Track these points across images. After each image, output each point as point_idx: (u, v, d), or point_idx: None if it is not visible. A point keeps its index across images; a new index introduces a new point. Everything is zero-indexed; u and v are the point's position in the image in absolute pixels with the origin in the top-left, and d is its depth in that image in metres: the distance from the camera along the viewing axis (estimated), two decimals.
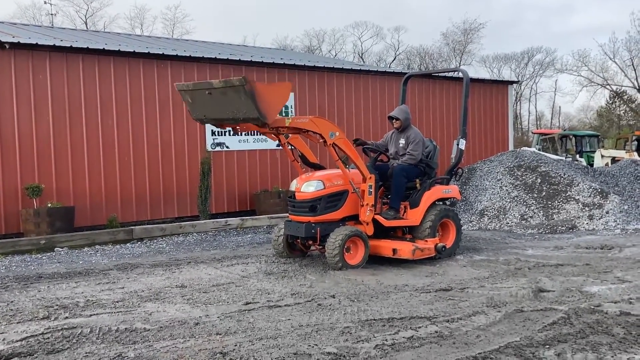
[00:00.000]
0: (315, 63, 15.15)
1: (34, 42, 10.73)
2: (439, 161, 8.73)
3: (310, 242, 7.89)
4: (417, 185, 8.20)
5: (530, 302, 5.64)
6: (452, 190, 8.57)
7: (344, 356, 4.23)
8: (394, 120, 8.47)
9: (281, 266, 7.73)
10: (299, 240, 8.02)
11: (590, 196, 11.30)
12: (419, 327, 4.88)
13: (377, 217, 7.84)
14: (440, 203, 8.42)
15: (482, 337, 4.62)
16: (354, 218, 7.84)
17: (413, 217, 8.05)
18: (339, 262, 7.28)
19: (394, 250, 7.60)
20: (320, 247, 7.75)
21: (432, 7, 76.57)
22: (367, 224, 7.76)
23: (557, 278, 6.67)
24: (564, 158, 18.32)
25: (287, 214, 8.09)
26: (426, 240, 7.92)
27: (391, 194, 8.09)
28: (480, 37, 59.31)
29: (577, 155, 23.52)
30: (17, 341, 4.67)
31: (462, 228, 8.76)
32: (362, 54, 58.76)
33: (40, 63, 10.73)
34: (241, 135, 13.17)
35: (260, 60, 13.69)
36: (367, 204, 7.70)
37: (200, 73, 12.65)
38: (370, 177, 7.72)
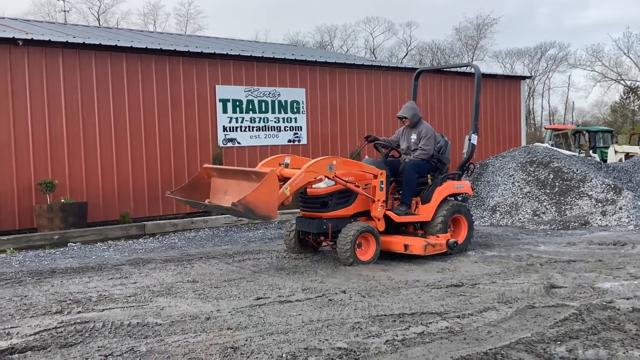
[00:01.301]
0: (326, 59, 15.12)
1: (47, 39, 10.80)
2: (450, 156, 8.71)
3: (322, 238, 7.91)
4: (429, 180, 8.20)
5: (541, 298, 5.61)
6: (463, 185, 8.56)
7: (354, 351, 4.24)
8: (403, 119, 8.47)
9: (292, 262, 7.75)
10: (310, 236, 8.03)
11: (603, 192, 11.22)
12: (430, 323, 4.88)
13: (389, 212, 7.85)
14: (452, 199, 8.42)
15: (493, 333, 4.61)
16: (366, 214, 7.85)
17: (424, 212, 8.04)
18: (350, 257, 7.29)
19: (406, 246, 7.60)
20: (332, 243, 7.76)
21: (444, 2, 76.21)
22: (379, 219, 7.77)
23: (569, 274, 6.64)
24: (577, 154, 18.22)
25: (299, 210, 8.11)
26: (438, 236, 7.92)
27: (402, 190, 8.08)
28: (493, 32, 58.93)
29: (591, 151, 23.36)
30: (30, 335, 4.72)
31: (474, 224, 8.73)
32: (373, 49, 58.66)
33: (53, 59, 10.80)
34: (253, 131, 13.19)
35: (272, 56, 13.70)
36: (379, 200, 7.71)
37: (211, 69, 12.68)
38: (382, 173, 7.73)
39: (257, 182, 6.83)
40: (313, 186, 7.66)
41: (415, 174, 8.07)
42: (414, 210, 8.11)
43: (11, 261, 8.41)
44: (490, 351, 4.19)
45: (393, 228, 8.00)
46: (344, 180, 7.50)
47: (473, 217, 8.88)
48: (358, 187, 7.68)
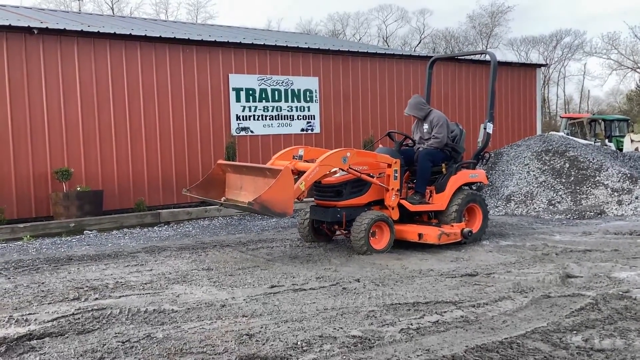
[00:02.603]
0: (339, 47, 15.05)
1: (62, 28, 10.83)
2: (465, 145, 8.66)
3: (336, 227, 7.92)
4: (443, 169, 8.16)
5: (557, 287, 5.59)
6: (478, 174, 8.51)
7: (369, 339, 4.25)
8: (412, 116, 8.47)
9: (306, 250, 7.77)
10: (324, 225, 8.04)
11: (619, 181, 11.12)
12: (445, 312, 4.88)
13: (403, 201, 7.84)
14: (467, 188, 8.38)
15: (509, 322, 4.60)
16: (380, 203, 7.84)
17: (439, 201, 8.02)
18: (364, 246, 7.29)
19: (420, 235, 7.58)
20: (346, 231, 7.77)
21: None
22: (393, 208, 7.76)
23: (585, 264, 6.60)
24: (592, 143, 18.05)
25: (313, 199, 8.11)
26: (452, 225, 7.90)
27: (416, 179, 8.07)
28: (507, 20, 58.23)
29: (606, 140, 23.14)
30: (48, 321, 4.78)
31: (489, 213, 8.69)
32: (386, 37, 58.28)
33: (68, 48, 10.84)
34: (266, 120, 13.19)
35: (285, 45, 13.66)
36: (393, 189, 7.69)
37: (225, 58, 12.67)
38: (396, 162, 7.72)
39: (271, 178, 6.88)
40: None
41: (429, 163, 8.05)
42: (429, 199, 8.08)
43: (28, 248, 8.50)
44: (505, 340, 4.18)
45: (407, 217, 7.99)
46: (357, 171, 7.50)
47: (488, 207, 8.84)
48: (372, 177, 7.68)
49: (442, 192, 8.03)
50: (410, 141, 8.62)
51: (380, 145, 9.12)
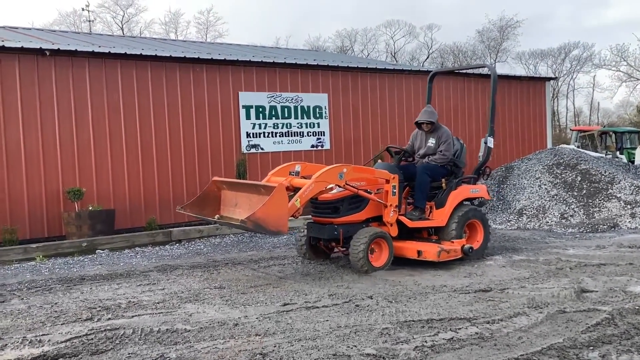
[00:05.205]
0: (348, 63, 15.12)
1: (74, 49, 10.97)
2: (467, 160, 8.54)
3: (334, 244, 7.81)
4: (443, 185, 8.03)
5: (572, 302, 5.53)
6: (479, 189, 8.37)
7: (383, 357, 4.22)
8: (424, 124, 8.34)
9: (318, 267, 7.74)
10: (321, 242, 7.94)
11: (632, 194, 11.04)
12: (459, 329, 4.84)
13: (402, 218, 7.68)
14: (468, 203, 8.25)
15: (524, 339, 4.56)
16: (378, 219, 7.68)
17: (439, 217, 7.88)
18: (364, 266, 7.16)
19: (419, 252, 7.44)
20: (344, 249, 7.66)
21: (465, 4, 75.63)
22: (391, 225, 7.60)
23: (599, 278, 6.54)
24: (604, 155, 17.95)
25: (310, 216, 8.00)
26: (452, 242, 7.74)
27: (415, 194, 7.93)
28: (516, 34, 57.98)
29: (618, 152, 23.00)
30: (61, 342, 4.79)
31: (500, 228, 8.63)
32: (394, 53, 58.45)
33: (79, 69, 10.96)
34: (276, 137, 13.24)
35: (294, 62, 13.74)
36: (391, 205, 7.55)
37: (235, 76, 12.75)
38: (394, 178, 7.57)
39: (265, 195, 6.72)
40: None
41: (428, 177, 7.90)
42: (428, 215, 7.93)
43: (41, 269, 8.53)
44: (521, 357, 4.14)
45: (406, 233, 7.82)
46: (354, 187, 7.37)
47: (499, 221, 8.77)
48: (370, 193, 7.55)
49: (442, 208, 7.88)
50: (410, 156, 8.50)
51: (379, 161, 9.04)
